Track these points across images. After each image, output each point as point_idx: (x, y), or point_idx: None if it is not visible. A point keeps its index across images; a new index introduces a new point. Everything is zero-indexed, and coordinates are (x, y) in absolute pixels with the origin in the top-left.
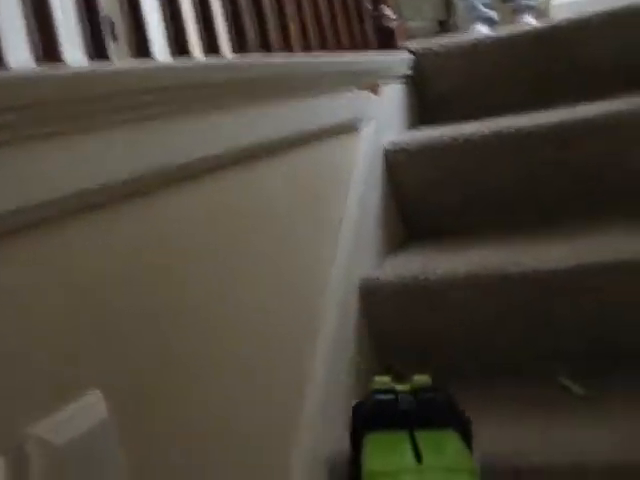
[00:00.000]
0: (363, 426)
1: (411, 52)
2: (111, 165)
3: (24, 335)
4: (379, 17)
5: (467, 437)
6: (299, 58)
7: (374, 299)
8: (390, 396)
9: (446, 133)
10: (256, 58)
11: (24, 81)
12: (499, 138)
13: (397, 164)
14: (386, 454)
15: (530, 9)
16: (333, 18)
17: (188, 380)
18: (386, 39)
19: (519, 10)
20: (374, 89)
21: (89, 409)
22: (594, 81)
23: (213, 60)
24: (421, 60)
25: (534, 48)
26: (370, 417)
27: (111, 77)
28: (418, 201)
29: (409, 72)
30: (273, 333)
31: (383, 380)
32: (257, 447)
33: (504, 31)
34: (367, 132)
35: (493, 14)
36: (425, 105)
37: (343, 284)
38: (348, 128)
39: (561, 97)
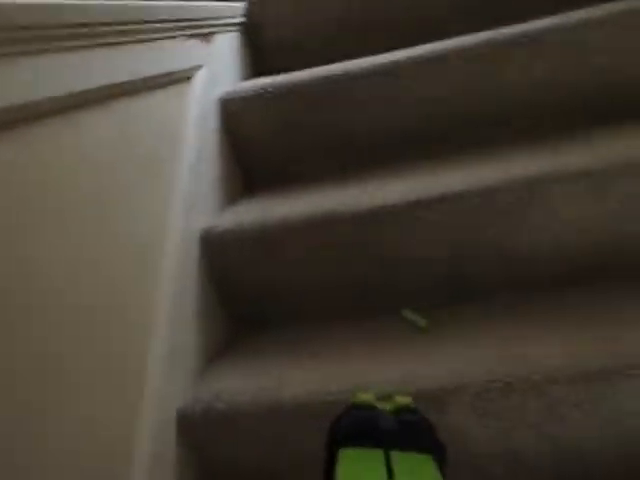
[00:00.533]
0: (340, 440)
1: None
2: None
3: None
4: None
5: (441, 464)
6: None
7: (214, 248)
8: (370, 413)
9: (281, 80)
10: None
11: None
12: (334, 82)
13: (234, 113)
14: (359, 471)
15: None
16: None
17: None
18: None
19: None
20: (206, 38)
21: None
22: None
23: None
24: (253, 7)
25: None
26: (347, 432)
27: None
28: (257, 150)
29: (242, 20)
30: (109, 284)
31: (365, 397)
32: (100, 401)
33: None
34: (200, 82)
35: None
36: (260, 53)
37: (181, 235)
38: (180, 78)
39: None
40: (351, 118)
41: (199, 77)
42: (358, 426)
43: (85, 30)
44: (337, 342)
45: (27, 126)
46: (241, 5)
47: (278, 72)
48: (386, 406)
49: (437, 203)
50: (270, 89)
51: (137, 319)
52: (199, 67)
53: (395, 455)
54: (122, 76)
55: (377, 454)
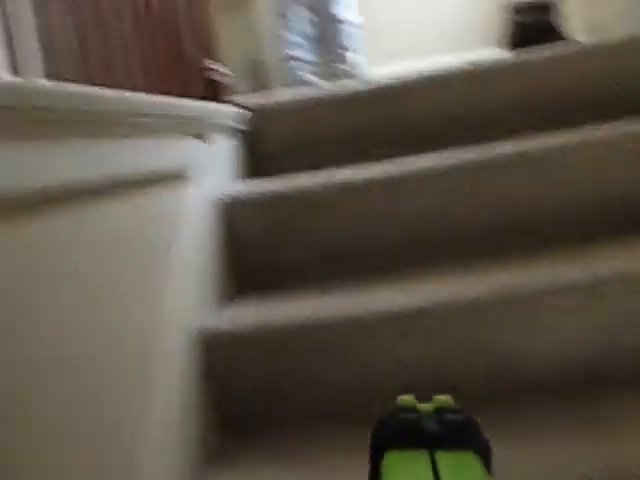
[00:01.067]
0: (384, 444)
1: (243, 107)
2: None
3: None
4: (209, 71)
5: (487, 459)
6: (117, 94)
7: (210, 348)
8: (412, 415)
9: (278, 184)
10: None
11: None
12: (328, 189)
13: (229, 213)
14: (405, 472)
15: (349, 77)
16: (161, 66)
17: None
18: (216, 93)
19: (337, 76)
20: (204, 139)
21: None
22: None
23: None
24: (253, 115)
25: (359, 107)
26: (392, 435)
27: None
28: (253, 250)
29: (241, 126)
30: (102, 384)
31: (407, 399)
32: None
33: (331, 90)
34: (197, 180)
35: (314, 78)
36: (258, 160)
37: (175, 334)
38: (177, 175)
39: (385, 151)
40: (337, 227)
41: (198, 176)
42: (402, 428)
43: (93, 119)
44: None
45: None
46: (241, 112)
47: (272, 176)
48: (428, 407)
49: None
50: (264, 193)
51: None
52: (197, 166)
53: (440, 455)
54: (125, 168)
55: (422, 455)
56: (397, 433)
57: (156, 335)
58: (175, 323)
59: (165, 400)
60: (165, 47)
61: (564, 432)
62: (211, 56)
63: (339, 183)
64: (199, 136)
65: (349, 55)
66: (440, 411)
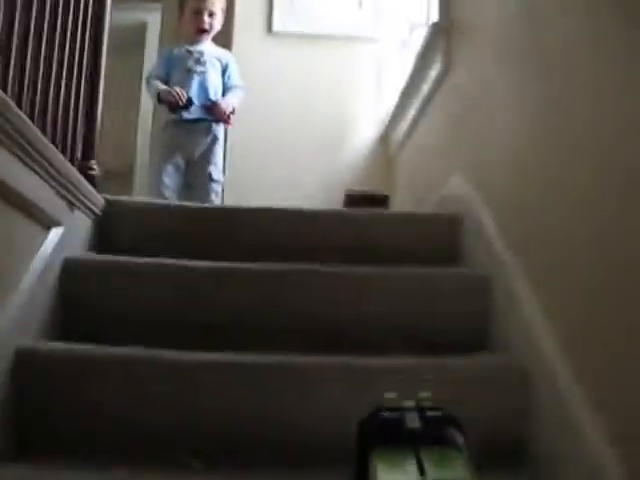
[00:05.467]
0: (370, 442)
1: (103, 197)
2: None
3: None
4: (87, 166)
5: (469, 454)
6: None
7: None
8: (396, 414)
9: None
10: None
11: None
12: (159, 269)
13: (71, 272)
14: (392, 468)
15: None
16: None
17: None
18: (87, 179)
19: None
20: (70, 205)
21: None
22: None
23: None
24: (110, 208)
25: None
26: (377, 434)
27: None
28: (81, 306)
29: (99, 212)
30: None
31: (391, 397)
32: None
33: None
34: (55, 235)
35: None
36: (107, 244)
37: None
38: (42, 219)
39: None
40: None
41: (57, 231)
42: (387, 427)
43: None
44: None
45: None
46: (102, 199)
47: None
48: (411, 404)
49: None
50: (104, 262)
51: None
52: (59, 223)
53: (424, 451)
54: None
55: (408, 452)
56: (382, 431)
57: None
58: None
59: None
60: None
61: None
62: (92, 157)
63: (163, 265)
64: (67, 201)
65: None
66: (422, 408)
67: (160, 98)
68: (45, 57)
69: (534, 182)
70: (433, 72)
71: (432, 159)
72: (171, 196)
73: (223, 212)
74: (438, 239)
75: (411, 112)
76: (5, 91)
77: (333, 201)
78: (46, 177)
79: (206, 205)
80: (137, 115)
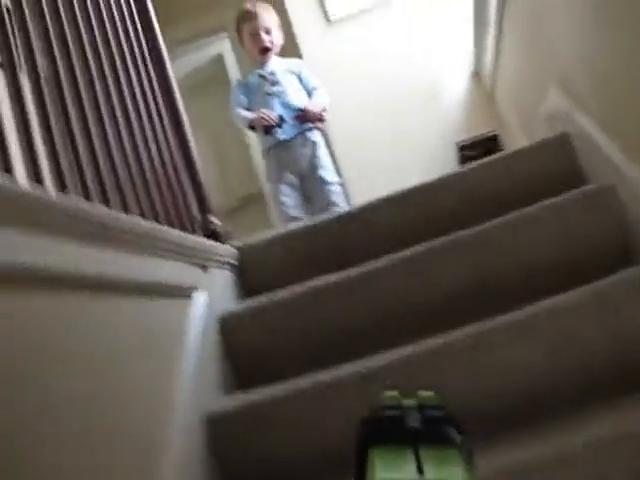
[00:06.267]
0: (370, 440)
1: (234, 245)
2: None
3: None
4: (206, 222)
5: (469, 455)
6: (129, 217)
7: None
8: (397, 412)
9: (262, 301)
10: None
11: None
12: (316, 298)
13: (228, 326)
14: (390, 466)
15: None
16: (166, 210)
17: None
18: (213, 236)
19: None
20: (203, 268)
21: None
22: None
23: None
24: (244, 253)
25: (331, 231)
26: (377, 432)
27: None
28: (248, 355)
29: (235, 262)
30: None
31: (391, 395)
32: None
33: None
34: (199, 300)
35: (300, 214)
36: (252, 287)
37: (181, 417)
38: (181, 293)
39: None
40: (324, 323)
41: (199, 296)
42: (387, 425)
43: (112, 233)
44: None
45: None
46: (233, 249)
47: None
48: (411, 403)
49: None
50: (254, 305)
51: None
52: (198, 289)
53: (424, 451)
54: (139, 276)
55: (406, 451)
56: (381, 430)
57: (164, 417)
58: (180, 409)
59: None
60: (170, 195)
61: None
62: (209, 211)
63: (314, 289)
64: (200, 265)
65: (340, 210)
66: (423, 407)
67: (251, 125)
68: (133, 149)
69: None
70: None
71: (525, 82)
72: (296, 213)
73: (343, 219)
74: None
75: (489, 43)
76: (107, 200)
77: (447, 153)
78: (172, 256)
79: (325, 217)
80: (245, 136)
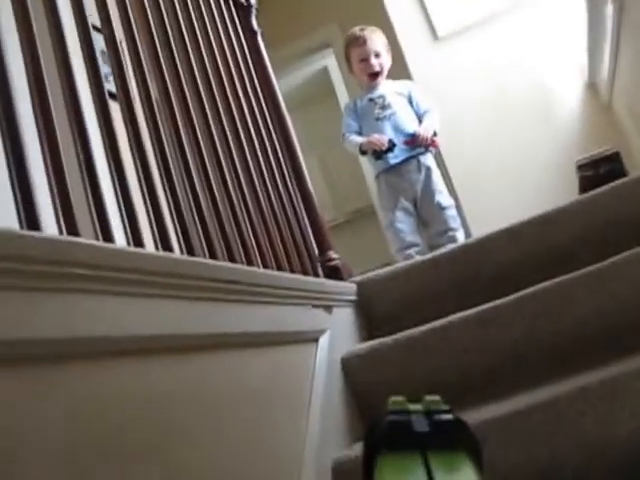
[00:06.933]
0: (376, 447)
1: (355, 282)
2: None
3: None
4: (326, 260)
5: (478, 458)
6: (255, 269)
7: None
8: (404, 417)
9: (388, 340)
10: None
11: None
12: (433, 332)
13: (352, 369)
14: (399, 473)
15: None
16: (287, 254)
17: None
18: (333, 274)
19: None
20: (327, 309)
21: None
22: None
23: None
24: (364, 287)
25: (453, 264)
26: (383, 438)
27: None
28: (374, 400)
29: (354, 298)
30: None
31: (398, 400)
32: None
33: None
34: (324, 342)
35: (417, 240)
36: (371, 323)
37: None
38: (308, 337)
39: (480, 299)
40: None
41: (324, 339)
42: (393, 431)
43: (240, 287)
44: None
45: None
46: (353, 286)
47: (383, 335)
48: (418, 407)
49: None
50: (378, 346)
51: None
52: (324, 331)
53: (432, 456)
54: (269, 328)
55: (415, 456)
56: (388, 435)
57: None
58: (312, 458)
59: None
60: (291, 240)
61: None
62: (328, 248)
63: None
64: (324, 307)
65: (458, 234)
66: (430, 412)
67: (362, 150)
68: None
69: None
70: (608, 10)
71: None
72: (412, 239)
73: (458, 253)
74: None
75: (606, 54)
76: (230, 251)
77: (567, 171)
78: (297, 302)
79: (440, 252)
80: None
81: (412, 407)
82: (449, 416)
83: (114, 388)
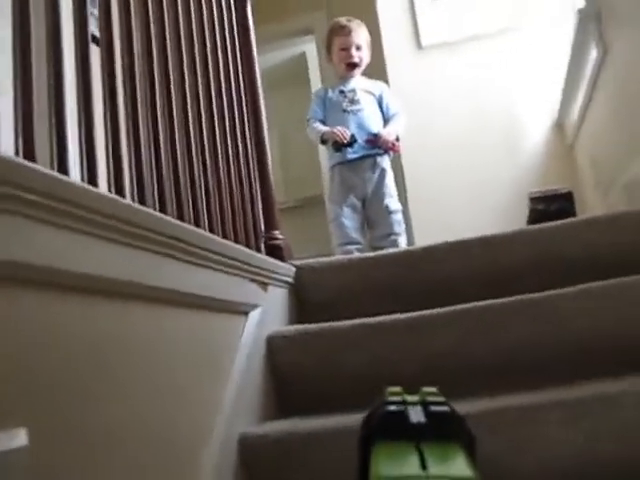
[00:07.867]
0: (373, 436)
1: (294, 266)
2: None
3: None
4: (270, 237)
5: (471, 450)
6: (202, 231)
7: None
8: (400, 407)
9: (315, 326)
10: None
11: None
12: (363, 328)
13: (276, 348)
14: (393, 462)
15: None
16: (233, 223)
17: None
18: (275, 253)
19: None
20: (262, 286)
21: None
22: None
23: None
24: (302, 272)
25: (394, 267)
26: (380, 428)
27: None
28: (293, 381)
29: (292, 280)
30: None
31: (394, 390)
32: None
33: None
34: (254, 318)
35: (360, 239)
36: (304, 308)
37: (221, 436)
38: (238, 309)
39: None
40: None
41: (255, 314)
42: (390, 421)
43: (184, 246)
44: None
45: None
46: (292, 268)
47: (315, 322)
48: (414, 399)
49: None
50: (306, 331)
51: None
52: (256, 306)
53: (427, 446)
54: (196, 289)
55: (409, 447)
56: (384, 425)
57: (205, 433)
58: (221, 428)
59: None
60: (241, 211)
61: None
62: (275, 227)
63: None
64: (260, 283)
65: (400, 239)
66: (426, 403)
67: (323, 139)
68: (212, 160)
69: None
70: (591, 57)
71: (609, 144)
72: (355, 236)
73: (402, 256)
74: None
75: (579, 97)
76: (181, 209)
77: (520, 200)
78: (235, 273)
79: (384, 252)
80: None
81: (409, 398)
82: (444, 408)
83: (53, 320)
